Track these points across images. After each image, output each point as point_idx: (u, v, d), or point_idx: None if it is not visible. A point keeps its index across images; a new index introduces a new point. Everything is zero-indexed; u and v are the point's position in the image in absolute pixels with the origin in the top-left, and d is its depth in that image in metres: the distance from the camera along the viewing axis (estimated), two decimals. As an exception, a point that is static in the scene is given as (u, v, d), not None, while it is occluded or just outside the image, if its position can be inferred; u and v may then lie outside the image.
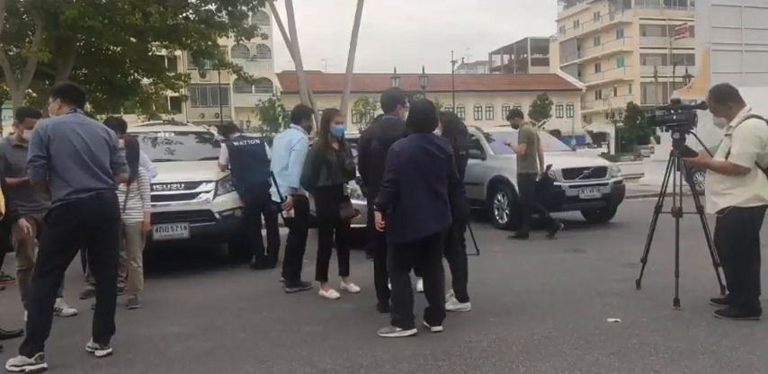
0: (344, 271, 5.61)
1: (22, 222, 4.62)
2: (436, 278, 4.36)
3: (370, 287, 5.07)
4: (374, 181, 4.60)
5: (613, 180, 9.36)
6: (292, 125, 6.00)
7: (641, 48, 56.20)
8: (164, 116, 20.53)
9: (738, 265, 4.36)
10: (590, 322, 4.40)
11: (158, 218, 6.02)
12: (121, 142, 4.73)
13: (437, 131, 4.58)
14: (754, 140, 4.16)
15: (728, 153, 4.27)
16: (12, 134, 5.14)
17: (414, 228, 4.18)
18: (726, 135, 4.37)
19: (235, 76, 19.11)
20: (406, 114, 4.81)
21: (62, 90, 4.21)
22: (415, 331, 4.20)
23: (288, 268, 5.78)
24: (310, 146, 5.71)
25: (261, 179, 7.00)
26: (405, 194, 4.14)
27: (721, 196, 4.34)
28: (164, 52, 18.10)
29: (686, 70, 40.44)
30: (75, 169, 3.87)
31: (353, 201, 5.71)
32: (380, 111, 5.34)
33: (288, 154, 5.66)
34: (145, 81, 18.16)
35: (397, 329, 4.20)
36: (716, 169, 4.37)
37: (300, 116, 6.01)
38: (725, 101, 4.39)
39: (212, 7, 15.36)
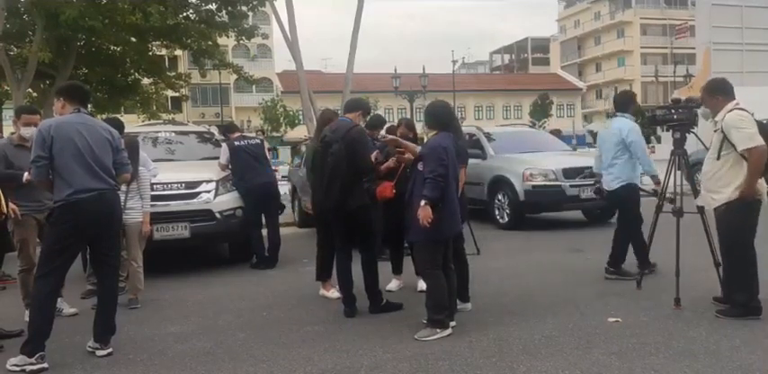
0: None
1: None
2: (450, 277, 4.35)
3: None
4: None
5: (614, 180, 9.34)
6: (618, 114, 5.77)
7: (642, 47, 56.18)
8: (164, 116, 20.52)
9: (737, 263, 4.37)
10: (590, 322, 4.40)
11: (159, 217, 6.02)
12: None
13: None
14: (745, 122, 4.19)
15: (720, 148, 4.30)
16: (13, 134, 5.15)
17: (452, 223, 4.25)
18: (714, 131, 4.41)
19: (235, 76, 19.10)
20: (361, 123, 5.02)
21: (66, 89, 4.21)
22: (451, 330, 4.18)
23: (641, 250, 5.60)
24: (305, 144, 5.73)
25: (261, 179, 7.03)
26: (446, 190, 4.16)
27: (716, 193, 4.37)
28: (164, 52, 18.08)
29: (687, 70, 40.43)
30: (77, 169, 3.87)
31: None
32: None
33: (615, 147, 5.56)
34: (145, 81, 18.15)
35: (438, 330, 4.14)
36: (755, 172, 4.19)
37: (628, 103, 5.78)
38: (715, 93, 4.44)
39: (212, 7, 15.34)
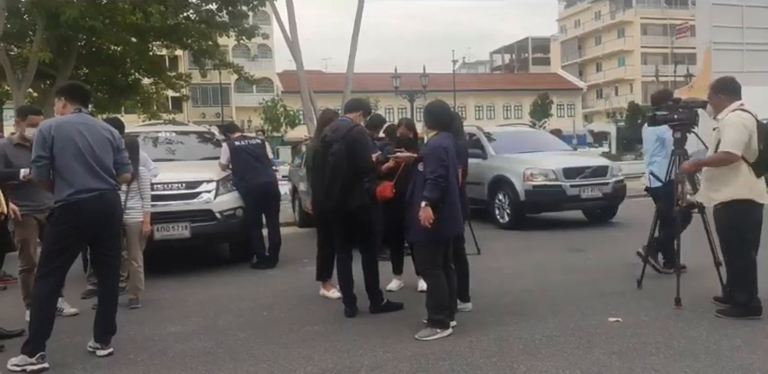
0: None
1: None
2: (450, 277, 4.36)
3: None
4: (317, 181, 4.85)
5: (614, 179, 9.36)
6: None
7: (642, 47, 56.14)
8: (165, 116, 20.53)
9: (736, 262, 4.38)
10: (591, 321, 4.40)
11: (159, 217, 6.02)
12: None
13: None
14: (741, 129, 4.23)
15: (717, 146, 4.34)
16: (13, 134, 5.14)
17: (453, 224, 4.25)
18: (714, 129, 4.44)
19: (236, 76, 19.11)
20: (361, 123, 5.03)
21: (67, 89, 4.20)
22: (451, 330, 4.19)
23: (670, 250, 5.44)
24: (305, 144, 5.71)
25: (262, 178, 7.03)
26: (447, 190, 4.17)
27: (714, 192, 4.41)
28: (164, 52, 18.09)
29: (687, 69, 40.44)
30: (78, 169, 3.87)
31: None
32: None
33: (654, 144, 5.73)
34: (146, 81, 18.17)
35: (438, 330, 4.15)
36: (711, 163, 4.42)
37: (666, 102, 5.63)
38: (718, 92, 4.48)
39: (213, 7, 15.36)
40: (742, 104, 4.38)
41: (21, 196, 4.68)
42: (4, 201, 4.40)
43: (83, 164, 3.88)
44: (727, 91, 4.44)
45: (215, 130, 9.02)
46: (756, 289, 4.34)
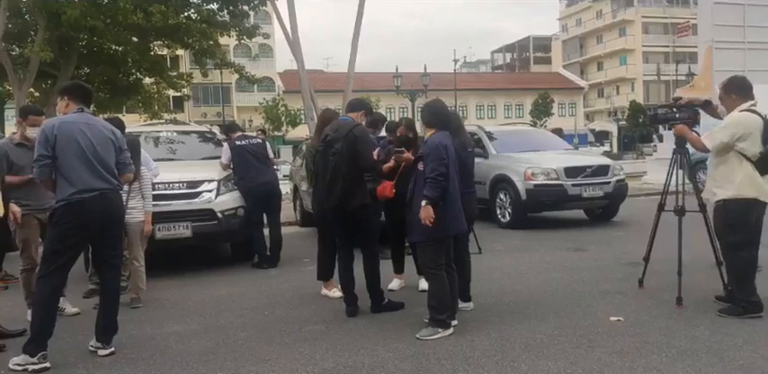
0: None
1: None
2: (452, 276, 4.36)
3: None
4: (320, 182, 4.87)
5: (616, 178, 9.34)
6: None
7: (644, 46, 56.05)
8: (166, 115, 20.56)
9: (734, 260, 4.38)
10: (592, 321, 4.40)
11: (160, 217, 6.02)
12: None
13: None
14: (729, 129, 4.29)
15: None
16: (14, 133, 5.15)
17: (456, 222, 4.26)
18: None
19: (237, 76, 19.13)
20: (362, 123, 5.04)
21: (70, 88, 4.20)
22: (452, 330, 4.20)
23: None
24: (305, 143, 5.70)
25: (263, 178, 7.03)
26: (447, 188, 4.16)
27: (717, 188, 4.43)
28: (165, 52, 18.11)
29: (689, 68, 40.40)
30: (80, 169, 3.87)
31: None
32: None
33: None
34: (147, 80, 18.21)
35: (440, 330, 4.16)
36: (689, 141, 4.61)
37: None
38: (729, 91, 4.49)
39: (214, 7, 15.38)
40: (753, 105, 4.37)
41: (22, 196, 4.68)
42: (2, 203, 4.40)
43: (85, 163, 3.88)
44: (738, 90, 4.44)
45: (216, 130, 9.03)
46: (755, 287, 4.34)
